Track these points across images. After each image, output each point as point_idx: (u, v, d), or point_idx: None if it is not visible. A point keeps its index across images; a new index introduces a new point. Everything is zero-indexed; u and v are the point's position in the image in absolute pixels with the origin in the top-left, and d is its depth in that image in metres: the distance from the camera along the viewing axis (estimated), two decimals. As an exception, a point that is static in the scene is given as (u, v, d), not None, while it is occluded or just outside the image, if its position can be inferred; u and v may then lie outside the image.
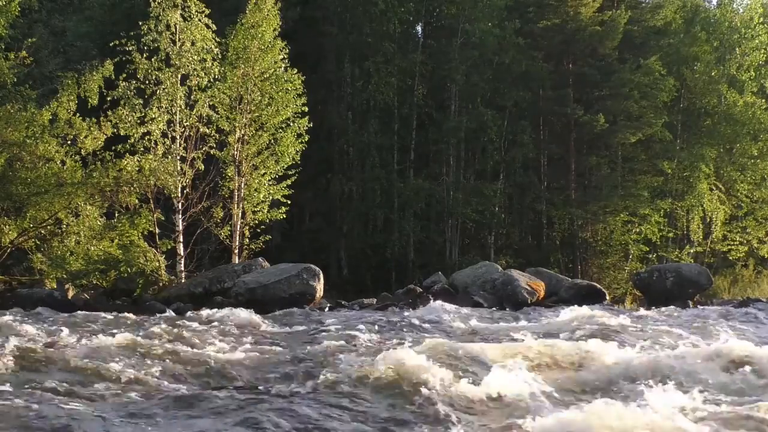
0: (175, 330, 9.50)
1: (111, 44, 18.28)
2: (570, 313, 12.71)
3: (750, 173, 31.02)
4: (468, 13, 28.18)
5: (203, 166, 18.70)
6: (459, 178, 28.28)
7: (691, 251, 29.75)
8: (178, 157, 18.37)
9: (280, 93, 19.71)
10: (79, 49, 25.15)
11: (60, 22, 26.75)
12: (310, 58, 25.74)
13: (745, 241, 30.78)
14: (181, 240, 18.43)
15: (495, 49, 28.30)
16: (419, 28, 30.52)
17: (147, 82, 18.10)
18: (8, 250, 17.72)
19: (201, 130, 18.54)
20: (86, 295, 16.65)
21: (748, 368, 6.81)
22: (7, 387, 5.93)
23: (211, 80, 18.76)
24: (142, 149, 17.85)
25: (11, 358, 6.70)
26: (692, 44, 30.83)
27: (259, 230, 19.55)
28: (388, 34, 27.66)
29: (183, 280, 18.00)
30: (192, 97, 18.59)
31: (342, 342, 8.93)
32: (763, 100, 30.89)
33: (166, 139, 18.25)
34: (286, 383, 6.53)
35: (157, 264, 17.50)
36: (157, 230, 18.02)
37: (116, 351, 7.26)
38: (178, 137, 18.39)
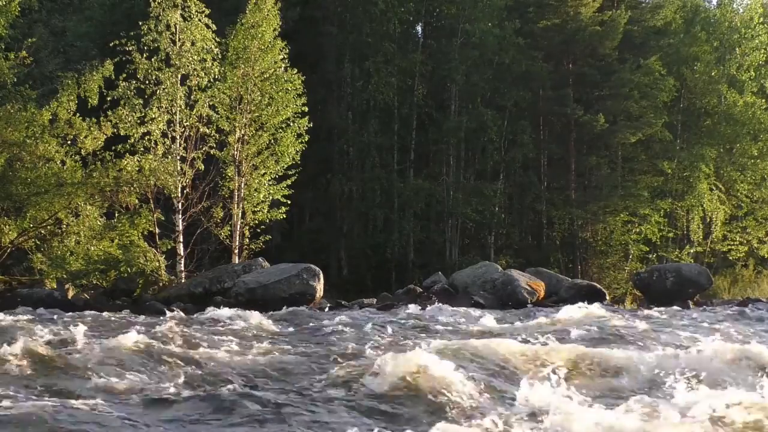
0: (179, 330, 9.46)
1: (111, 44, 18.29)
2: (572, 312, 12.68)
3: (750, 173, 31.02)
4: (468, 13, 28.14)
5: (203, 166, 18.70)
6: (459, 178, 28.25)
7: (691, 251, 29.74)
8: (178, 157, 18.37)
9: (280, 93, 19.71)
10: (79, 49, 25.12)
11: (60, 22, 26.71)
12: (310, 58, 25.70)
13: (745, 241, 30.78)
14: (181, 240, 18.42)
15: (495, 49, 28.27)
16: (419, 28, 30.51)
17: (147, 82, 18.11)
18: (8, 250, 17.70)
19: (201, 130, 18.54)
20: (86, 295, 16.65)
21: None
22: (12, 388, 5.91)
23: (211, 80, 18.77)
24: (142, 149, 17.86)
25: (16, 358, 6.67)
26: (692, 44, 30.82)
27: (259, 230, 19.55)
28: (388, 34, 27.63)
29: (183, 280, 18.00)
30: (192, 97, 18.59)
31: (347, 342, 8.92)
32: (763, 100, 30.89)
33: (166, 139, 18.25)
34: (294, 383, 6.51)
35: (157, 264, 17.50)
36: (157, 230, 18.02)
37: (120, 352, 7.22)
38: (178, 137, 18.39)
